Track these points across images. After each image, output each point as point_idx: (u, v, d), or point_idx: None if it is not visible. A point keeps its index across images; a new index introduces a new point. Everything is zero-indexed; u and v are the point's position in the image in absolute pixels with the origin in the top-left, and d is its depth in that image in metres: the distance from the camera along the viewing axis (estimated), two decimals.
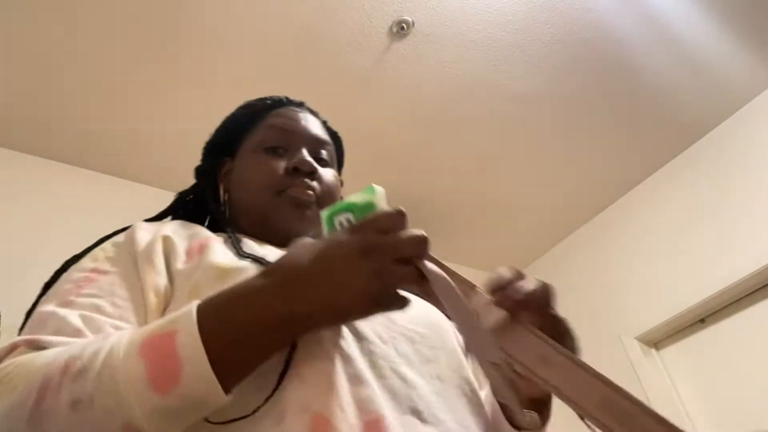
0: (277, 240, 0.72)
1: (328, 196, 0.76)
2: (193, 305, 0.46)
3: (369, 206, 0.52)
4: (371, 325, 0.59)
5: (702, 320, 2.62)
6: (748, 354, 2.40)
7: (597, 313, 2.98)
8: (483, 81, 2.34)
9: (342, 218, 0.53)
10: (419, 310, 0.68)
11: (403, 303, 0.47)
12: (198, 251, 0.64)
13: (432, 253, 0.48)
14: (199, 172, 0.87)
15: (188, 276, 0.60)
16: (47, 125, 2.17)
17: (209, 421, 0.45)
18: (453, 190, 2.82)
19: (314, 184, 0.75)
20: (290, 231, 0.72)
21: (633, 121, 2.63)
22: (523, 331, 0.46)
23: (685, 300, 2.59)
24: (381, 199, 0.53)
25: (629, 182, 3.00)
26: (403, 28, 2.07)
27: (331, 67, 2.18)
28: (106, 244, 0.67)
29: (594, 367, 0.43)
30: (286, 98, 0.86)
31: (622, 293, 2.91)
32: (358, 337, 0.57)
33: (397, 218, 0.48)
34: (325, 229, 0.54)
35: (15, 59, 1.95)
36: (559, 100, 2.47)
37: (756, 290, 2.46)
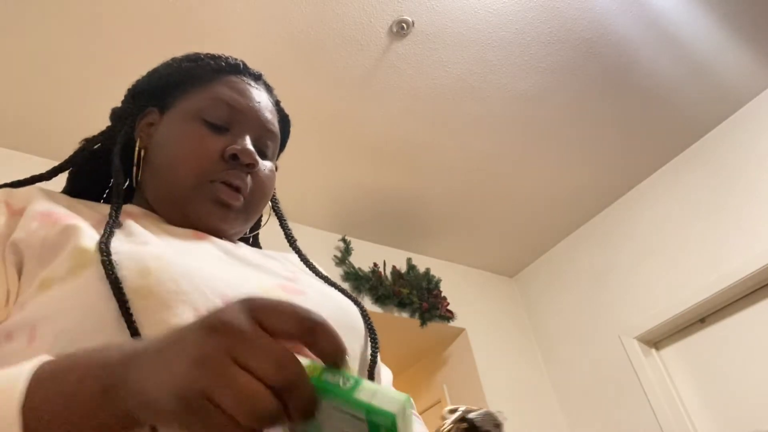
0: (186, 225, 0.63)
1: (258, 196, 0.67)
2: (34, 365, 0.35)
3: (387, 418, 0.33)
4: None
5: (702, 320, 2.63)
6: (748, 354, 2.41)
7: (597, 313, 2.98)
8: (483, 81, 2.34)
9: (340, 408, 0.33)
10: (333, 307, 0.58)
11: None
12: (62, 231, 0.53)
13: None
14: (116, 114, 0.72)
15: (39, 261, 0.50)
16: None
17: None
18: (453, 190, 2.82)
19: (248, 179, 0.65)
20: (206, 227, 0.64)
21: (633, 121, 2.63)
22: None
23: (685, 300, 2.59)
24: (404, 420, 0.34)
25: (629, 182, 3.00)
26: (403, 28, 2.07)
27: (331, 67, 2.18)
28: None
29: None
30: (243, 64, 0.75)
31: (622, 293, 2.91)
32: None
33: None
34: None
35: None
36: (559, 100, 2.47)
37: (756, 290, 2.46)
